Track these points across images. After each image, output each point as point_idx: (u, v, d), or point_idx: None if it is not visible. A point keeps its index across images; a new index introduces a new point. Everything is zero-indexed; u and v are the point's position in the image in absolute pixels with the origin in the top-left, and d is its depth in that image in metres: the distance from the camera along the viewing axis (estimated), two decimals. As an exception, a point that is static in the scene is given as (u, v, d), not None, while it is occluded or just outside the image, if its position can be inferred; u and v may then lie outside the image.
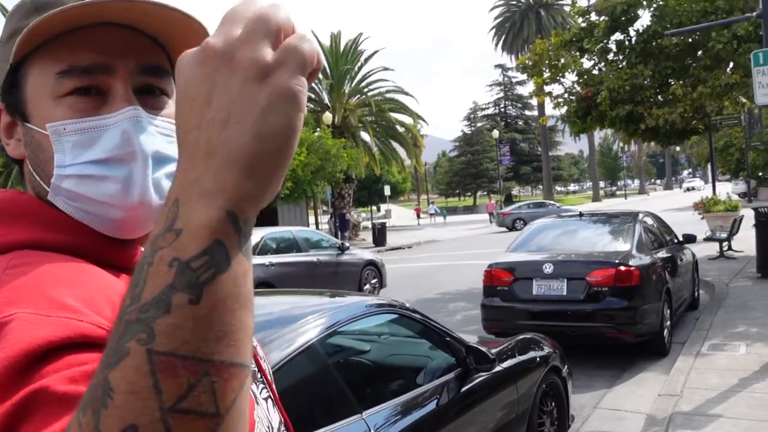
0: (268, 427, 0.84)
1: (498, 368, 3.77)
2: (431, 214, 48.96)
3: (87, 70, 0.75)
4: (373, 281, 12.53)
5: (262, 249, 10.84)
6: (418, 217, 49.02)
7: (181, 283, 0.43)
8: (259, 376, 0.90)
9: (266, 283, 10.14)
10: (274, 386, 0.94)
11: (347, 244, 12.95)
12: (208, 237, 0.44)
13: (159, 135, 0.78)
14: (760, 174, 36.94)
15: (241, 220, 0.45)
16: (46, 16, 0.71)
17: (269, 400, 0.90)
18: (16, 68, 0.77)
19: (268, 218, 28.04)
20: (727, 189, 33.43)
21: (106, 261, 0.75)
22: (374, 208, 46.10)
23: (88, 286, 0.66)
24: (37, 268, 0.67)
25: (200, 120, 0.46)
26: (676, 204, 38.63)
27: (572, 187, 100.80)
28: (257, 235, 10.79)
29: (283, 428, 0.91)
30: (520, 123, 71.19)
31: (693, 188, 64.43)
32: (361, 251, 13.43)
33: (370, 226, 31.19)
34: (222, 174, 0.45)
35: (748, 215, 12.98)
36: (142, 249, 0.79)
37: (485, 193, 66.65)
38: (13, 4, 0.81)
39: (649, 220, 8.36)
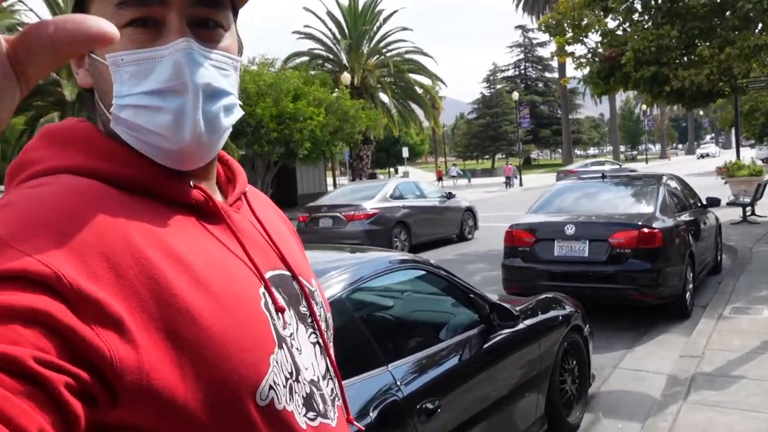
0: (290, 373, 0.81)
1: (521, 326, 3.77)
2: (453, 177, 48.68)
3: (143, 1, 0.76)
4: (470, 223, 14.89)
5: (393, 195, 13.00)
6: (440, 179, 48.81)
7: None
8: (309, 320, 0.90)
9: (402, 222, 12.64)
10: (325, 333, 0.94)
11: (453, 193, 15.28)
12: None
13: (212, 68, 0.79)
14: (786, 139, 36.27)
15: None
16: None
17: (317, 346, 0.90)
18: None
19: (287, 178, 28.13)
20: (751, 154, 32.85)
21: (159, 194, 0.78)
22: (392, 169, 45.99)
23: (76, 228, 0.68)
24: (42, 197, 0.70)
25: None
26: (698, 169, 38.12)
27: (592, 150, 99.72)
28: (391, 183, 13.60)
29: (329, 375, 0.92)
30: (540, 85, 70.22)
31: (707, 155, 61.18)
32: (460, 199, 15.21)
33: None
34: None
35: (773, 180, 12.76)
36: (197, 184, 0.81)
37: (503, 156, 66.15)
38: None
39: (673, 183, 8.25)
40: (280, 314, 0.83)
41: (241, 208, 0.89)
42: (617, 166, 33.13)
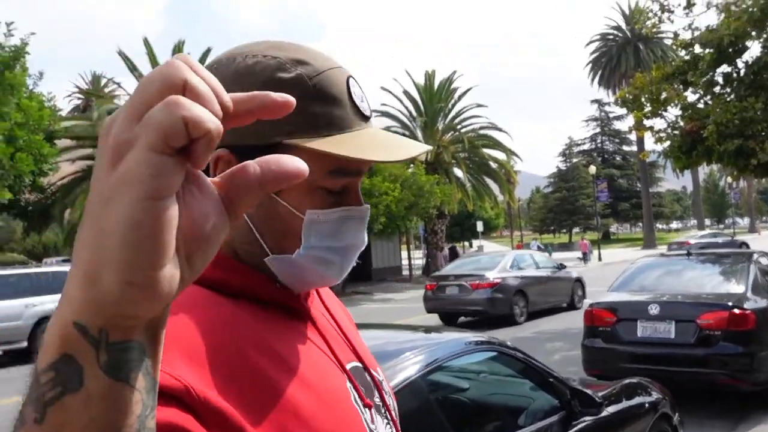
0: None
1: (604, 413, 3.60)
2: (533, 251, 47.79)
3: (354, 174, 0.85)
4: (579, 293, 15.57)
5: (512, 265, 14.06)
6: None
7: (30, 397, 0.39)
8: (383, 410, 0.92)
9: (521, 291, 13.60)
10: (398, 422, 0.96)
11: (564, 264, 16.20)
12: (56, 350, 0.38)
13: None
14: None
15: (94, 331, 0.37)
16: (360, 159, 0.81)
17: None
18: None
19: (363, 253, 28.35)
20: None
21: (264, 300, 0.84)
22: (466, 243, 45.77)
23: (195, 338, 0.72)
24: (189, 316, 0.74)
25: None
26: (791, 244, 36.08)
27: (675, 224, 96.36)
28: (510, 255, 15.03)
29: None
30: (617, 158, 69.15)
31: None
32: (570, 270, 16.21)
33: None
34: (70, 278, 0.39)
35: None
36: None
37: (581, 229, 64.78)
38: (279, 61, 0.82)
39: (765, 261, 7.85)
40: (367, 409, 0.87)
41: (313, 301, 0.94)
42: (729, 239, 33.37)
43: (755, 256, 7.65)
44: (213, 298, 0.79)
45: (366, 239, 0.89)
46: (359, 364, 0.92)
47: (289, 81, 0.80)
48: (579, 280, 15.83)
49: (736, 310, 6.21)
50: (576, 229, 66.25)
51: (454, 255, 30.01)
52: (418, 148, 0.86)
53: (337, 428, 0.78)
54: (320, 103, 0.81)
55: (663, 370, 6.27)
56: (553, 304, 14.56)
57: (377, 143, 0.83)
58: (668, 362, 6.41)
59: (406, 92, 32.99)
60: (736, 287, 6.82)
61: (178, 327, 0.72)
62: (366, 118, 0.86)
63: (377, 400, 0.92)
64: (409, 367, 2.85)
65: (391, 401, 0.97)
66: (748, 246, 29.95)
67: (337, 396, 0.82)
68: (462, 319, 13.80)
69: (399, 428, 0.95)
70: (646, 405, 4.09)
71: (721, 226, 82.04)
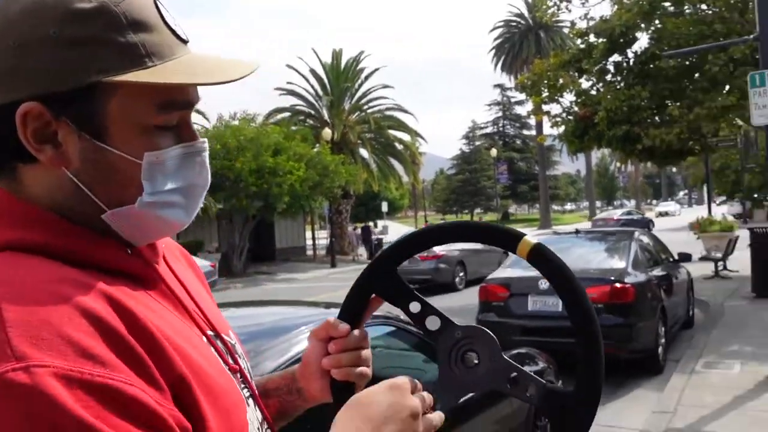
0: (258, 428, 0.85)
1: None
2: None
3: (185, 106, 0.79)
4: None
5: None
6: None
7: None
8: (239, 376, 0.88)
9: (461, 262, 15.37)
10: (253, 384, 0.93)
11: None
12: None
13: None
14: (756, 196, 37.06)
15: None
16: (189, 83, 0.77)
17: (251, 399, 0.90)
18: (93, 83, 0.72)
19: (265, 232, 28.06)
20: (723, 210, 33.52)
21: (88, 262, 0.74)
22: (371, 223, 46.11)
23: (78, 310, 0.65)
24: (36, 286, 0.66)
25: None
26: (671, 224, 38.67)
27: (569, 206, 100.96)
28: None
29: (265, 425, 0.92)
30: (518, 142, 71.39)
31: (666, 213, 57.70)
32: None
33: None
34: None
35: (743, 236, 13.03)
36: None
37: (482, 210, 66.69)
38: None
39: (645, 239, 8.40)
40: (232, 374, 0.84)
41: (160, 265, 0.85)
42: (641, 216, 39.63)
43: (636, 234, 8.17)
44: (67, 271, 0.70)
45: (209, 178, 0.83)
46: (212, 333, 0.86)
47: (91, 11, 0.71)
48: (506, 252, 16.69)
49: (618, 285, 6.63)
50: (477, 210, 68.12)
51: (367, 235, 30.48)
52: (249, 67, 0.79)
53: (230, 390, 0.78)
54: (133, 31, 0.73)
55: (551, 342, 6.59)
56: (486, 274, 15.24)
57: (206, 67, 0.78)
58: (556, 334, 6.75)
59: (312, 71, 32.67)
60: (619, 263, 7.27)
61: (77, 317, 0.64)
62: (185, 42, 0.79)
63: (233, 364, 0.88)
64: (304, 341, 2.85)
65: (246, 364, 0.93)
66: (653, 224, 36.98)
67: (212, 362, 0.79)
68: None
69: (255, 390, 0.92)
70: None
71: (610, 207, 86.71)
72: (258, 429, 0.87)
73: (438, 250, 14.62)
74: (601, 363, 0.85)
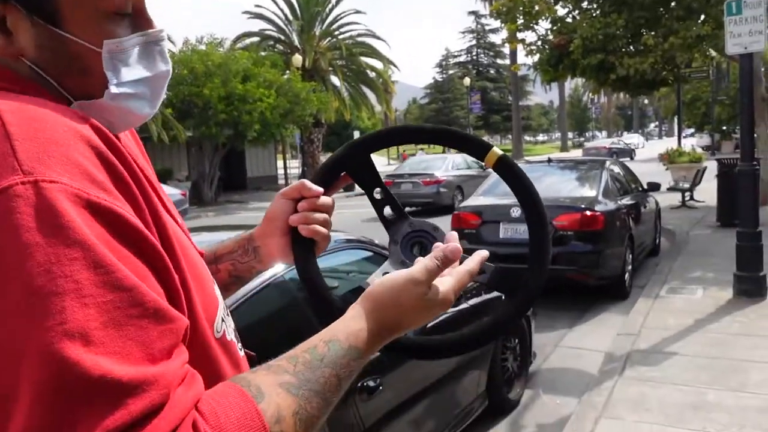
0: (224, 308, 0.85)
1: (464, 305, 3.83)
2: None
3: None
4: None
5: (452, 166, 17.31)
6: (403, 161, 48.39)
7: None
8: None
9: (459, 186, 16.73)
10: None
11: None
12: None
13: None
14: (724, 128, 37.58)
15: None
16: None
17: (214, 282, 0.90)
18: None
19: (236, 161, 27.74)
20: (692, 142, 34.00)
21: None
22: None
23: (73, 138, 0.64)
24: (37, 108, 0.64)
25: (401, 316, 0.80)
26: (642, 155, 39.16)
27: (541, 137, 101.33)
28: (451, 158, 17.69)
29: (228, 311, 0.92)
30: (491, 72, 70.81)
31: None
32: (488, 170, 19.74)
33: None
34: (369, 329, 0.77)
35: (710, 168, 13.24)
36: None
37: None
38: None
39: (616, 168, 8.48)
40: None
41: None
42: (625, 145, 43.73)
43: (607, 163, 8.23)
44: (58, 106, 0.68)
45: (171, 68, 0.82)
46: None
47: None
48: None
49: (588, 212, 6.71)
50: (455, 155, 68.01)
51: None
52: None
53: (201, 262, 0.79)
54: None
55: (522, 268, 6.70)
56: None
57: None
58: (526, 260, 6.86)
59: (281, -7, 31.61)
60: (589, 191, 7.34)
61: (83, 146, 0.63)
62: None
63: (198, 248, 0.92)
64: (277, 265, 2.85)
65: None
66: (635, 153, 42.23)
67: (183, 232, 0.80)
68: (408, 209, 14.39)
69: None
70: (501, 298, 4.38)
71: (582, 139, 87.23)
72: (224, 309, 0.87)
73: (439, 176, 16.51)
74: (549, 242, 0.97)
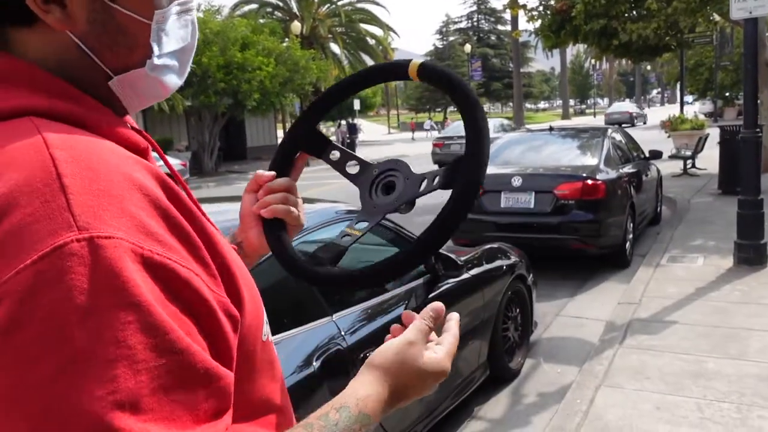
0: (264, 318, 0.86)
1: (466, 275, 3.84)
2: (426, 130, 47.90)
3: None
4: None
5: (496, 129, 19.31)
6: (413, 131, 47.87)
7: None
8: None
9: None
10: None
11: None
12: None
13: None
14: (727, 94, 37.28)
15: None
16: None
17: None
18: None
19: (235, 131, 27.60)
20: (694, 109, 33.74)
21: (105, 135, 0.69)
22: (343, 122, 45.68)
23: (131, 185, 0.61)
24: (90, 154, 0.61)
25: (405, 386, 0.79)
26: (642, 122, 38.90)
27: (542, 104, 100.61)
28: (497, 120, 21.58)
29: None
30: (492, 38, 70.02)
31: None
32: None
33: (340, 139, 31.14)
34: (376, 394, 0.76)
35: (713, 135, 13.15)
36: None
37: (455, 109, 66.13)
38: None
39: (618, 136, 8.42)
40: None
41: None
42: (640, 111, 45.80)
43: (609, 131, 8.17)
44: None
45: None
46: None
47: None
48: None
49: (589, 181, 6.69)
50: (450, 108, 67.60)
51: (353, 130, 32.04)
52: None
53: (251, 277, 0.79)
54: None
55: (523, 237, 6.72)
56: None
57: None
58: (527, 230, 6.88)
59: (279, -41, 31.14)
60: (591, 160, 7.30)
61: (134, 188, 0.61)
62: None
63: None
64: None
65: None
66: (646, 119, 44.56)
67: (232, 248, 0.79)
68: None
69: None
70: (504, 267, 4.39)
71: (583, 106, 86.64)
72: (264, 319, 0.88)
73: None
74: (487, 128, 0.92)
